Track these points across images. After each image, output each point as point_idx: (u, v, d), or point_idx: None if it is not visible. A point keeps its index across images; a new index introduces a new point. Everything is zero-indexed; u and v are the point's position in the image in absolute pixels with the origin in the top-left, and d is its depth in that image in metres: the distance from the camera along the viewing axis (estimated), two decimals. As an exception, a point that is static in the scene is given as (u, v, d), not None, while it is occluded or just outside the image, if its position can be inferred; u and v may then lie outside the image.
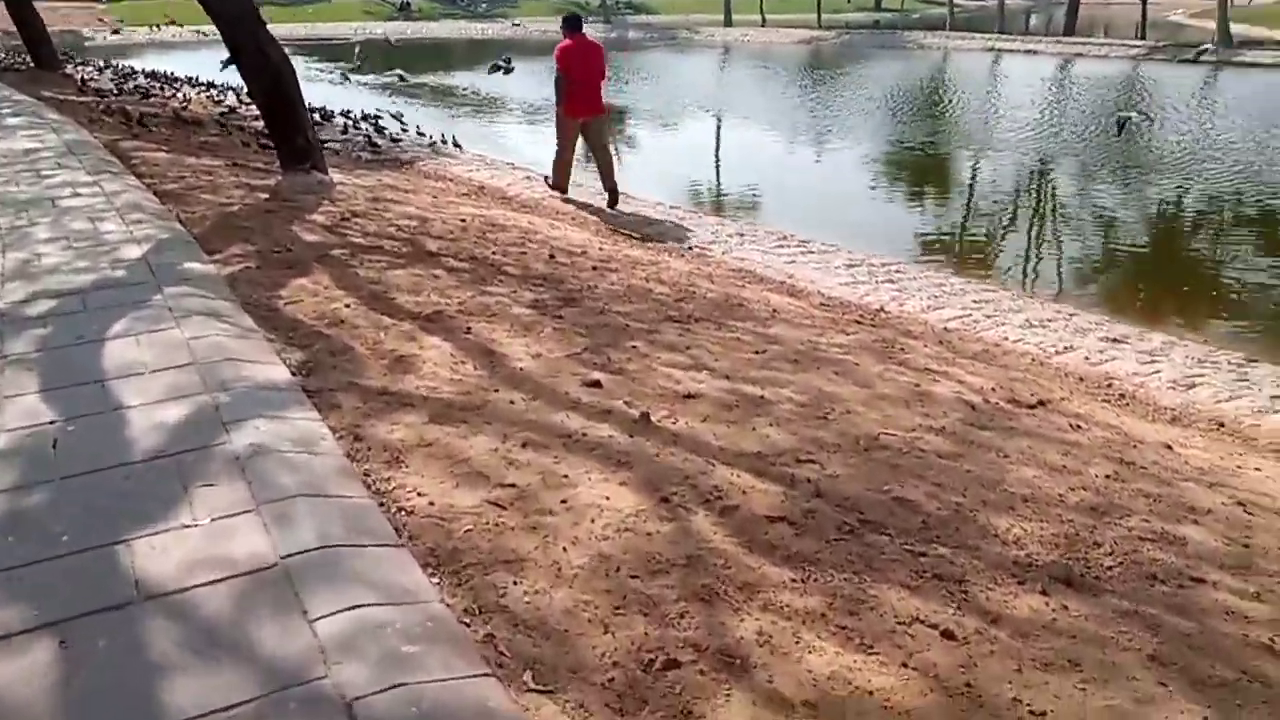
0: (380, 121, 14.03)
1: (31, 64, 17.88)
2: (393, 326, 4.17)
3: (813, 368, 4.12)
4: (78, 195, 6.12)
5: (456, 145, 13.25)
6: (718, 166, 14.51)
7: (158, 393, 3.13)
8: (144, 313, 3.90)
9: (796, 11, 58.93)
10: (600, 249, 6.68)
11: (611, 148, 9.97)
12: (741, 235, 8.23)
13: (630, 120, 19.95)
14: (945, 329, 5.74)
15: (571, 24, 9.73)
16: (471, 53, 36.01)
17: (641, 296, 5.29)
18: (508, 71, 19.84)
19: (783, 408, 3.55)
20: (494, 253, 5.99)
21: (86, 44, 39.60)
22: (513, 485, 2.76)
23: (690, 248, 7.68)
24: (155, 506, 2.44)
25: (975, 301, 6.40)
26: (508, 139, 16.72)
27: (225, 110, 14.17)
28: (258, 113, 15.91)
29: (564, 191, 9.93)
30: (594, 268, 5.94)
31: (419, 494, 2.68)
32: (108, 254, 4.78)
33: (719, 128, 18.83)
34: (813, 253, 7.73)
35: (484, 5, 73.03)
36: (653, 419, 3.31)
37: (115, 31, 46.34)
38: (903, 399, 3.80)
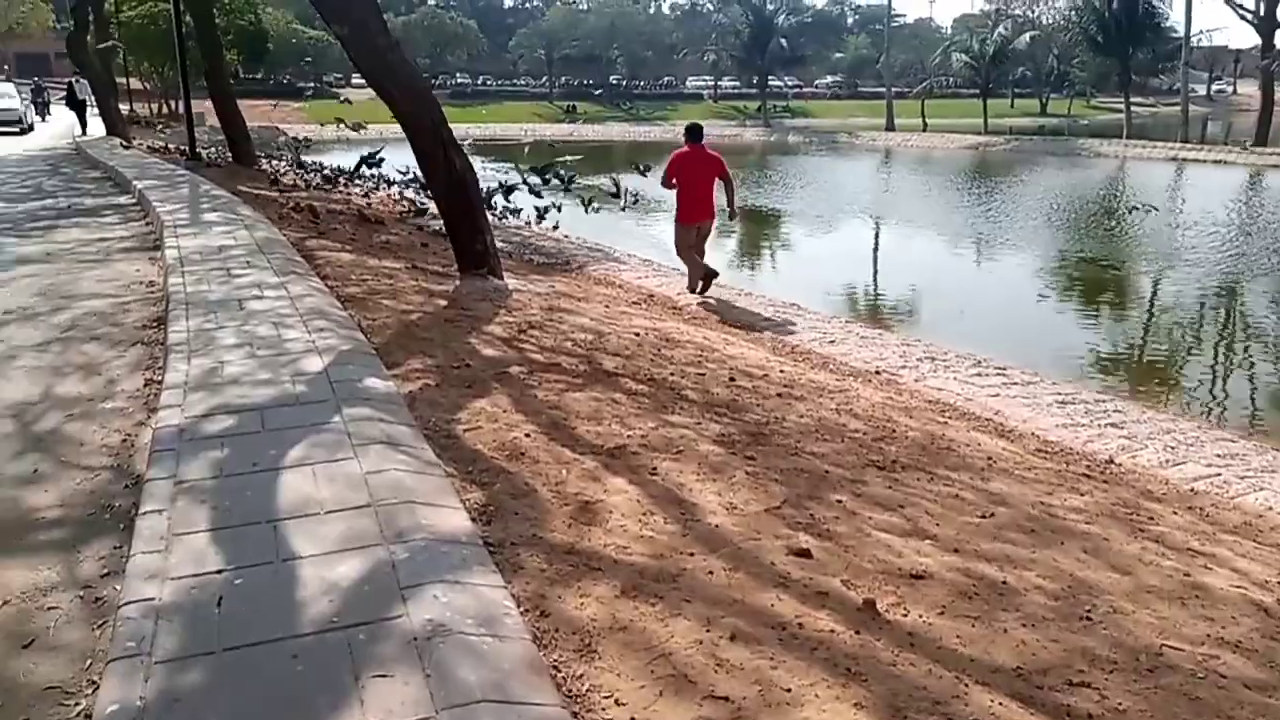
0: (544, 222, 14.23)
1: (231, 159, 19.18)
2: (574, 462, 3.84)
3: (1054, 541, 3.53)
4: (264, 298, 6.17)
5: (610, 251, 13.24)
6: (893, 278, 13.95)
7: (332, 541, 2.86)
8: (323, 437, 3.70)
9: (958, 116, 58.27)
10: (781, 371, 6.26)
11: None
12: (933, 359, 7.66)
13: (794, 226, 19.71)
14: (1192, 490, 5.00)
15: (693, 134, 10.19)
16: (632, 154, 36.93)
17: (836, 434, 4.82)
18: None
19: (1032, 599, 2.98)
20: (672, 373, 5.65)
21: (280, 139, 42.69)
22: (725, 698, 2.30)
23: (877, 371, 7.15)
24: (323, 703, 2.11)
25: (1219, 455, 5.61)
26: (657, 237, 16.71)
27: (405, 209, 14.65)
28: (436, 211, 16.52)
29: (705, 289, 10.07)
30: (779, 394, 5.52)
31: (617, 703, 2.26)
32: (289, 365, 4.68)
33: (889, 237, 18.28)
34: (1015, 383, 7.08)
35: (645, 109, 75.60)
36: (879, 607, 2.81)
37: (306, 142, 49.98)
38: (1175, 594, 3.16)
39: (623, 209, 17.60)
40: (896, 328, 9.28)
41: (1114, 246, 16.38)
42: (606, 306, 8.00)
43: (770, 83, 72.84)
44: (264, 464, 3.46)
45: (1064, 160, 34.27)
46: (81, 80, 26.27)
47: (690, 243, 10.05)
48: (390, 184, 20.23)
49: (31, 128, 27.90)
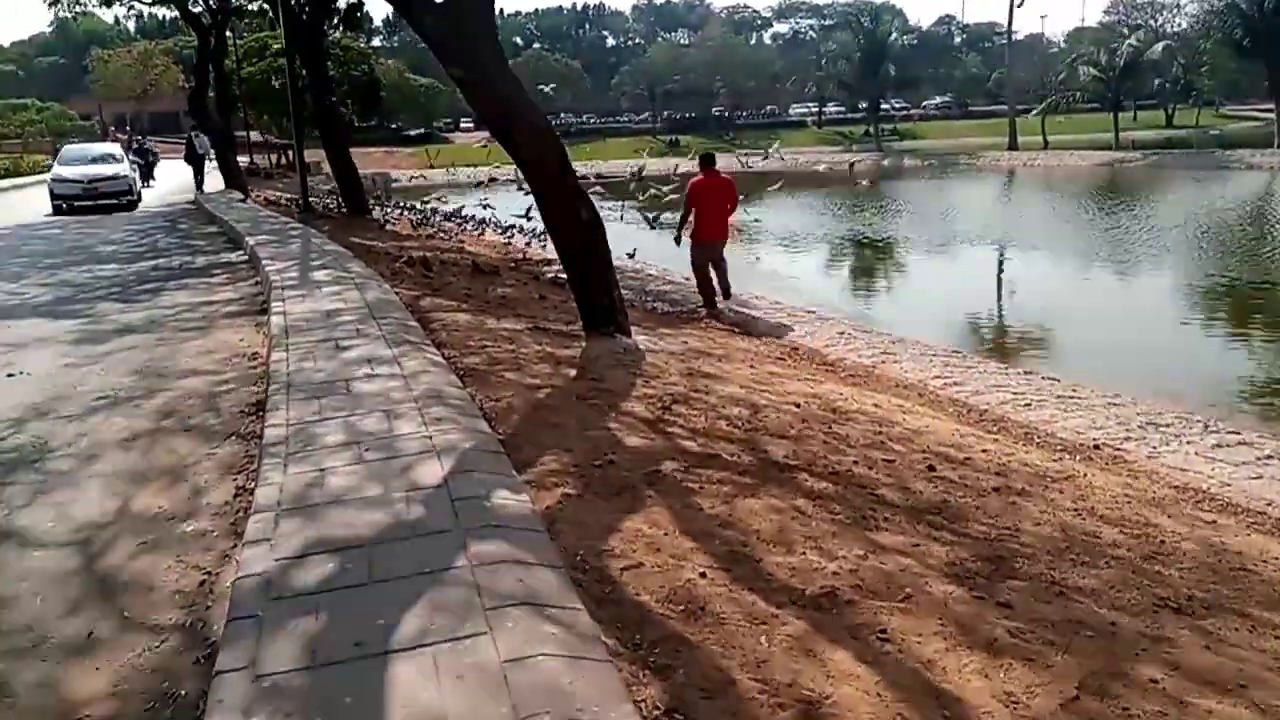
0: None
1: (344, 208, 19.00)
2: (773, 622, 2.86)
3: None
4: (374, 377, 5.39)
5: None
6: (1072, 318, 12.33)
7: (464, 803, 1.94)
8: (446, 595, 2.81)
9: (1079, 132, 55.40)
10: (984, 452, 5.15)
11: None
12: (1155, 425, 6.41)
13: (935, 258, 18.32)
14: None
15: (706, 161, 11.17)
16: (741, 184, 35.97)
17: (1093, 552, 3.71)
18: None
19: None
20: (855, 461, 4.62)
21: (393, 184, 43.28)
22: None
23: (1096, 445, 5.96)
24: None
25: None
26: (793, 278, 15.64)
27: (520, 257, 14.02)
28: (550, 254, 15.89)
29: (713, 306, 10.81)
30: (995, 489, 4.42)
31: None
32: (403, 474, 3.83)
33: (1047, 269, 16.66)
34: (1272, 457, 5.79)
35: (748, 139, 74.71)
36: None
37: (414, 177, 50.72)
38: None
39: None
40: (1091, 382, 7.96)
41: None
42: (752, 367, 7.02)
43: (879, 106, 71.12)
44: (370, 644, 2.58)
45: (1213, 174, 31.75)
46: (200, 135, 25.97)
47: (705, 262, 10.87)
48: (497, 227, 19.81)
49: (138, 200, 22.39)
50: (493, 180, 31.32)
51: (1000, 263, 17.35)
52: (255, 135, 43.93)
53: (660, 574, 3.14)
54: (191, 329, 7.76)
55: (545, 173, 6.94)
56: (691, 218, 10.98)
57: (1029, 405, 6.77)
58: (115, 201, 21.00)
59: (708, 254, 10.89)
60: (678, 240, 11.24)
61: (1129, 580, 3.43)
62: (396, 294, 8.54)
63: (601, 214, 7.20)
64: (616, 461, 4.24)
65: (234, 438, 4.88)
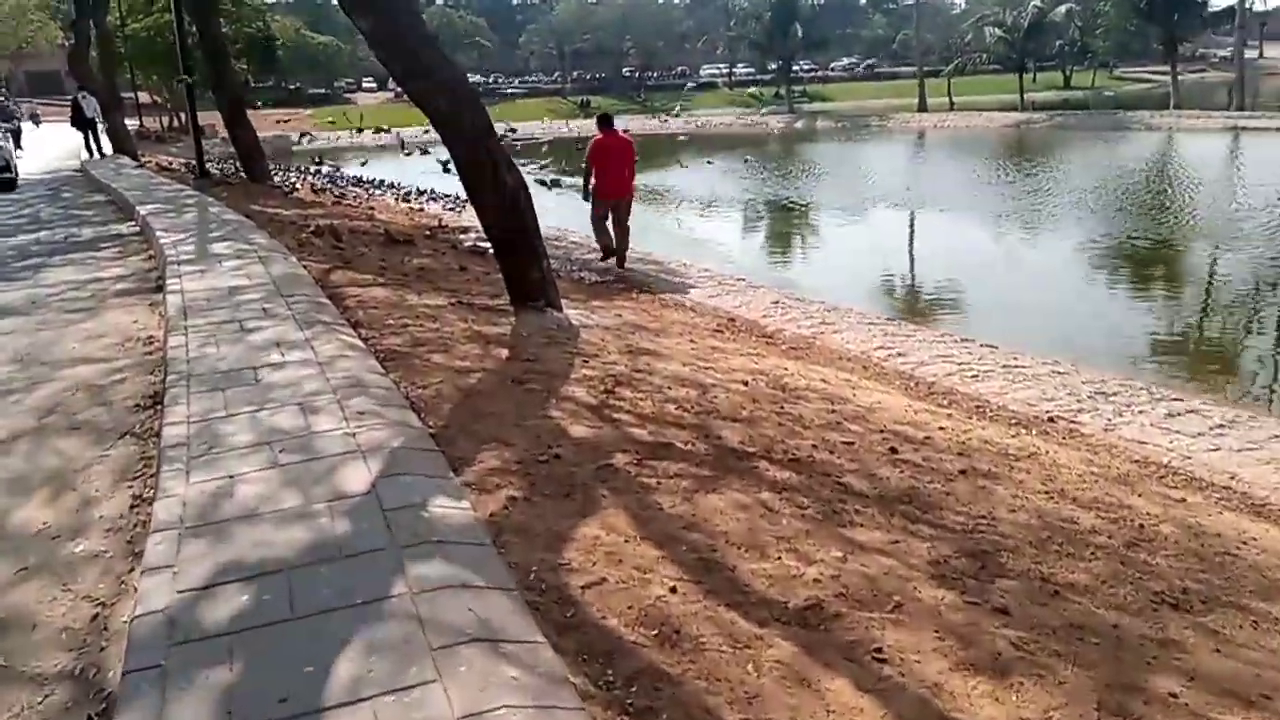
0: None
1: (244, 175, 18.01)
2: (759, 645, 2.56)
3: None
4: (286, 364, 4.90)
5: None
6: (1003, 282, 12.28)
7: None
8: (384, 633, 2.42)
9: (983, 93, 56.34)
10: (941, 429, 4.94)
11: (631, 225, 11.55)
12: (1104, 394, 6.30)
13: (853, 221, 18.26)
14: None
15: (604, 122, 11.50)
16: (660, 151, 35.57)
17: (1075, 541, 3.50)
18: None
19: None
20: (815, 445, 4.34)
21: (294, 149, 41.65)
22: None
23: (1050, 418, 5.81)
24: None
25: None
26: (719, 245, 15.38)
27: (436, 224, 13.42)
28: (465, 221, 15.28)
29: (610, 253, 11.35)
30: (961, 471, 4.20)
31: None
32: (325, 480, 3.40)
33: (967, 231, 16.68)
34: (1222, 426, 5.72)
35: (659, 100, 74.05)
36: None
37: (304, 135, 48.73)
38: None
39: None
40: (1029, 348, 7.83)
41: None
42: (692, 341, 6.70)
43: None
44: (296, 697, 2.19)
45: (1116, 135, 32.53)
46: (89, 96, 23.00)
47: (601, 216, 11.25)
48: (406, 194, 19.10)
49: (16, 178, 16.90)
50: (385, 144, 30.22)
51: (916, 225, 17.37)
52: (145, 96, 41.71)
53: (626, 591, 2.80)
54: (78, 310, 7.07)
55: (465, 134, 6.46)
56: (593, 177, 11.28)
57: (976, 376, 6.62)
58: None
59: (607, 209, 11.28)
60: (585, 196, 11.49)
61: (1120, 574, 3.23)
62: (305, 268, 7.96)
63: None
64: (563, 455, 3.88)
65: (129, 437, 4.35)
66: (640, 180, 16.85)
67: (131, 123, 30.10)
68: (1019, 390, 6.34)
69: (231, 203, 12.78)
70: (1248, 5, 41.18)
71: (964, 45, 56.69)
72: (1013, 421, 5.58)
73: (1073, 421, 5.74)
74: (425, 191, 21.05)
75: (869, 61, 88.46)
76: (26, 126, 30.94)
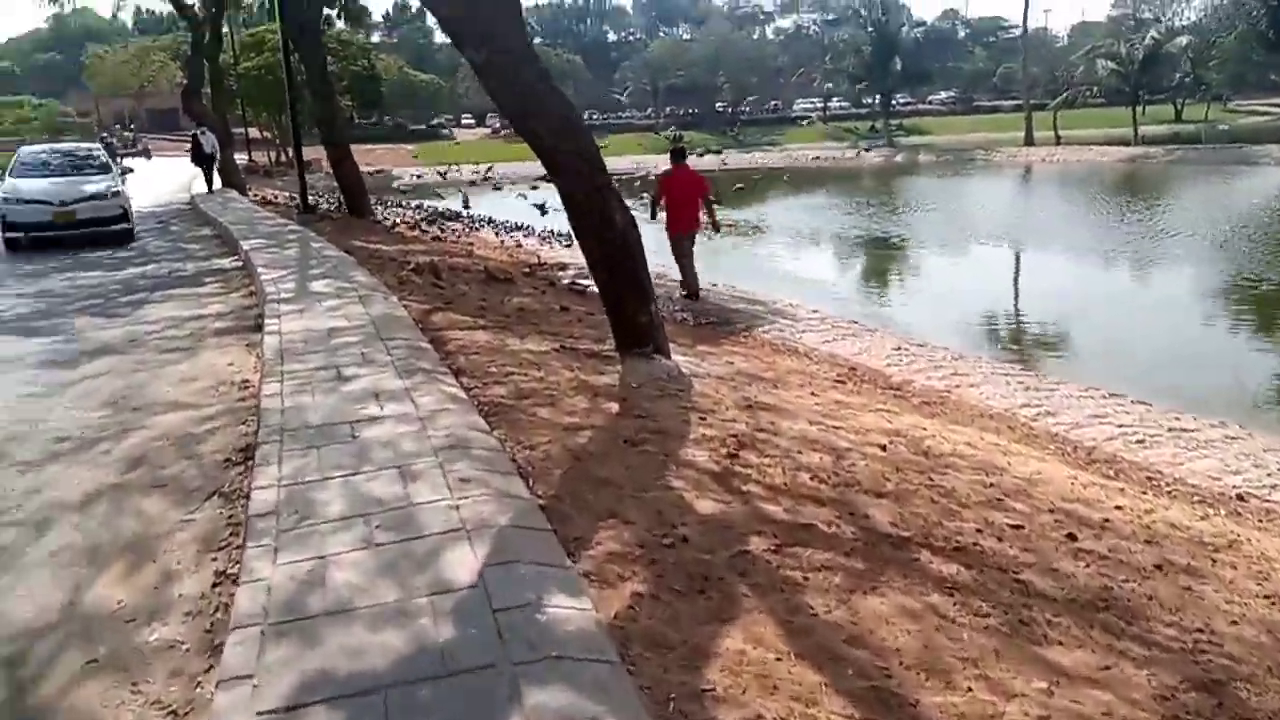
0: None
1: (346, 210, 18.13)
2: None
3: None
4: (383, 418, 4.53)
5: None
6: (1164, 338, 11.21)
7: None
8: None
9: (1091, 127, 54.38)
10: (1118, 509, 4.29)
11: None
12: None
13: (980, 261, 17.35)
14: None
15: (676, 156, 11.69)
16: (763, 184, 35.01)
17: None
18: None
19: None
20: (978, 529, 3.76)
21: (395, 184, 42.39)
22: None
23: (1239, 496, 5.10)
24: None
25: None
26: (826, 283, 14.77)
27: (535, 261, 13.17)
28: (562, 256, 15.02)
29: (698, 296, 11.20)
30: (1157, 567, 3.56)
31: None
32: (425, 566, 2.98)
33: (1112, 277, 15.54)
34: None
35: (751, 135, 73.65)
36: None
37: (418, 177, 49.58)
38: None
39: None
40: (1186, 405, 7.02)
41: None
42: (814, 395, 6.15)
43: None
44: None
45: (1246, 169, 30.67)
46: (207, 133, 22.52)
47: (682, 250, 11.23)
48: (504, 229, 19.00)
49: (133, 228, 14.32)
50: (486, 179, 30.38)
51: (1038, 266, 16.45)
52: (254, 132, 43.10)
53: (791, 740, 2.28)
54: (175, 349, 6.90)
55: (574, 169, 6.07)
56: (662, 209, 11.37)
57: (1141, 442, 5.90)
58: (103, 230, 13.56)
59: (684, 242, 11.32)
60: (652, 216, 11.38)
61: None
62: (405, 307, 7.69)
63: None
64: (690, 538, 3.38)
65: (216, 497, 4.03)
66: (737, 214, 16.40)
67: (241, 158, 31.00)
68: (1195, 460, 5.61)
69: (333, 238, 12.73)
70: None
71: (1071, 78, 54.86)
72: (1196, 499, 4.88)
73: (1267, 500, 5.00)
74: (522, 227, 20.97)
75: (968, 96, 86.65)
76: (139, 162, 31.88)
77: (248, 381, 5.87)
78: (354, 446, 4.16)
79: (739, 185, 32.52)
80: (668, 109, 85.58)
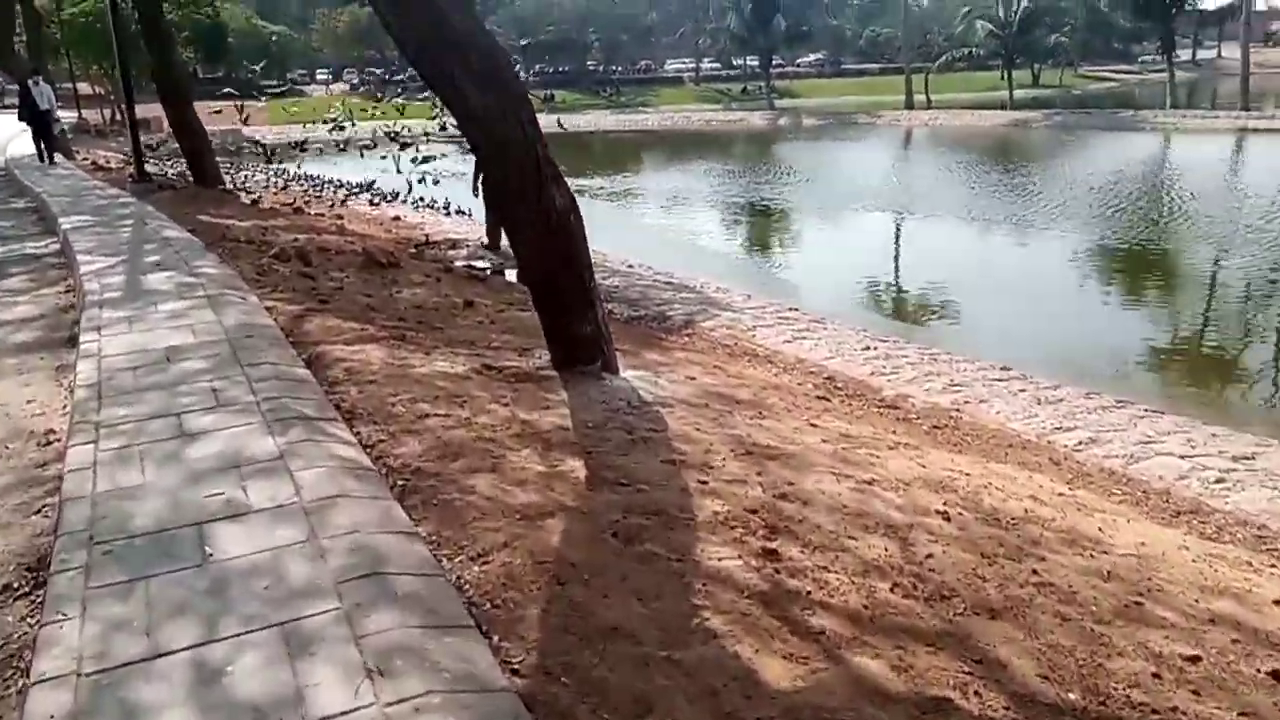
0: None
1: (190, 176, 15.88)
2: None
3: None
4: (249, 514, 3.03)
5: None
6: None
7: None
8: None
9: (959, 91, 55.06)
10: (1277, 604, 3.20)
11: None
12: None
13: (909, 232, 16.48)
14: None
15: None
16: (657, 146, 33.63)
17: None
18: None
19: None
20: (1154, 673, 2.59)
21: (244, 145, 38.97)
22: None
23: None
24: None
25: None
26: (738, 259, 13.62)
27: (423, 239, 11.52)
28: (450, 231, 13.35)
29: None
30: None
31: None
32: None
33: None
34: None
35: (625, 95, 71.97)
36: None
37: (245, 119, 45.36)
38: None
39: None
40: (1225, 417, 6.03)
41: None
42: (811, 424, 4.90)
43: (755, 61, 69.45)
44: None
45: (1126, 135, 31.02)
46: (41, 83, 17.97)
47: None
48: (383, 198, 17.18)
49: None
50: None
51: (959, 239, 15.68)
52: (85, 87, 39.02)
53: None
54: (-47, 378, 5.11)
55: (503, 138, 4.61)
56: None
57: (1221, 481, 4.88)
58: None
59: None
60: (475, 191, 11.10)
61: None
62: (269, 310, 6.07)
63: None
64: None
65: (-25, 678, 2.47)
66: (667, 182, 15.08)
67: (69, 115, 27.66)
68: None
69: (175, 213, 10.76)
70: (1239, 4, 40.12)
71: (944, 41, 55.20)
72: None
73: None
74: (397, 195, 19.06)
75: (836, 58, 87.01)
76: None
77: (52, 433, 4.21)
78: (204, 579, 2.67)
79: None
80: (536, 67, 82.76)
